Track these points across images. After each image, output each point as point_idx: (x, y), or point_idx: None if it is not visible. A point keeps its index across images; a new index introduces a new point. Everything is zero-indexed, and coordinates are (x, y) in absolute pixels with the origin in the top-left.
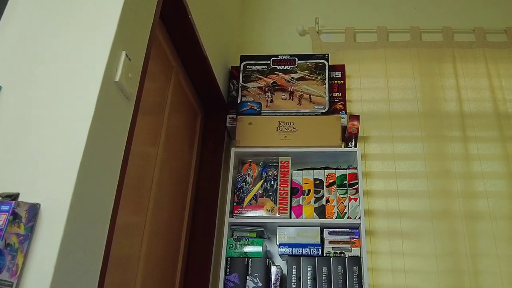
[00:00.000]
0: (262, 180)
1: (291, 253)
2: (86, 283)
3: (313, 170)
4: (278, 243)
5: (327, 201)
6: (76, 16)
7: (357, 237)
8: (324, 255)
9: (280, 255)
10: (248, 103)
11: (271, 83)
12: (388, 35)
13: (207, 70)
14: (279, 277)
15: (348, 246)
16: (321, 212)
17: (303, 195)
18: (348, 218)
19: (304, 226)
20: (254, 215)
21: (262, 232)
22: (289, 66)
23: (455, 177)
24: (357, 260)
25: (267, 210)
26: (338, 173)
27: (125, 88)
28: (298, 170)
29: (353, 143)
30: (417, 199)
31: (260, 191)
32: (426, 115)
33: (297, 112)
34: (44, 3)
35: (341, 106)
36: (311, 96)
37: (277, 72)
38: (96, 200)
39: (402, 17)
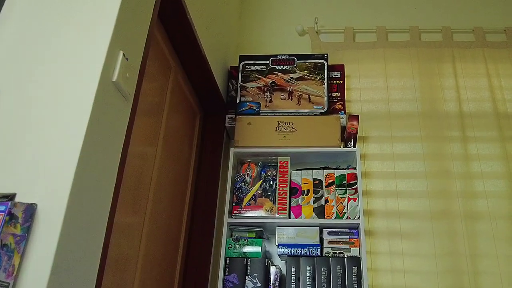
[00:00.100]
0: (261, 180)
1: (290, 253)
2: (84, 284)
3: (312, 170)
4: (277, 243)
5: (326, 201)
6: (74, 16)
7: (356, 237)
8: (323, 255)
9: (279, 255)
10: (247, 103)
11: (270, 83)
12: (387, 35)
13: (206, 70)
14: (278, 277)
15: (348, 246)
16: (320, 212)
17: (302, 195)
18: (347, 218)
19: (303, 226)
20: (253, 215)
21: (261, 232)
22: (288, 66)
23: (454, 177)
24: (356, 260)
25: (266, 210)
26: (337, 173)
27: (122, 88)
28: (297, 170)
29: (352, 143)
30: (417, 199)
31: (259, 191)
32: (425, 115)
33: (296, 112)
34: (42, 3)
35: (340, 106)
36: (310, 96)
37: (276, 72)
38: (94, 200)
39: (401, 17)
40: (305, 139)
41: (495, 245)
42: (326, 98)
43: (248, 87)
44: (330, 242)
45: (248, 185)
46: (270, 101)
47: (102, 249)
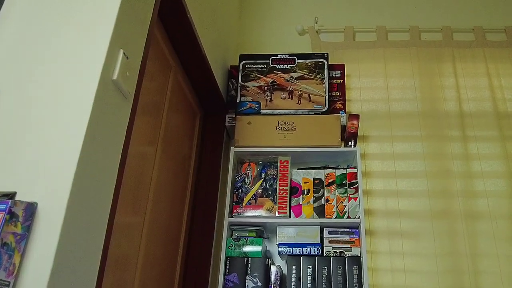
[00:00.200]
0: (262, 179)
1: (290, 253)
2: (84, 283)
3: (313, 169)
4: (277, 243)
5: (327, 200)
6: (74, 16)
7: (357, 236)
8: (324, 254)
9: (279, 254)
10: (247, 103)
11: (270, 82)
12: (387, 35)
13: (206, 69)
14: (278, 277)
15: (348, 245)
16: (320, 211)
17: (303, 194)
18: (348, 217)
19: (303, 225)
20: (254, 214)
21: (262, 231)
22: (288, 65)
23: (454, 176)
24: (357, 260)
25: (266, 209)
26: (338, 172)
27: (122, 86)
28: (297, 169)
29: (352, 142)
30: (417, 198)
31: (259, 191)
32: (425, 114)
33: (296, 112)
34: (42, 3)
35: (340, 105)
36: (310, 95)
37: (276, 71)
38: (94, 199)
39: (401, 16)
40: (305, 138)
41: (496, 244)
42: (326, 97)
43: (248, 87)
44: (330, 242)
45: (248, 185)
46: (270, 100)
47: (102, 249)
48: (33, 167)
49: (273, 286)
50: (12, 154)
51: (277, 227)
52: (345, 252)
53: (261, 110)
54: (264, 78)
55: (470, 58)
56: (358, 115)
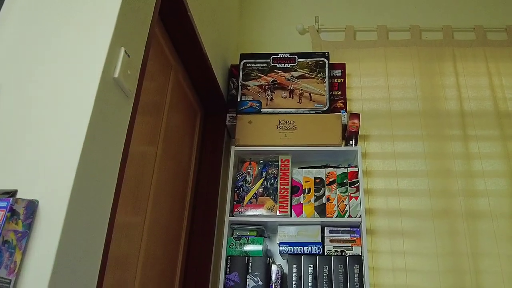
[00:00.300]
0: (262, 178)
1: (291, 252)
2: (85, 282)
3: (314, 168)
4: (278, 242)
5: (328, 199)
6: (74, 15)
7: (358, 235)
8: (325, 253)
9: (280, 254)
10: (248, 102)
11: (271, 82)
12: (388, 34)
13: (207, 68)
14: (279, 276)
15: (349, 244)
16: (321, 210)
17: (304, 193)
18: (349, 216)
19: (304, 224)
20: (254, 213)
21: (263, 230)
22: (289, 64)
23: (455, 175)
24: (358, 259)
25: (267, 208)
26: (339, 171)
27: (124, 85)
28: (298, 168)
29: (353, 141)
30: (418, 198)
31: (260, 190)
32: (426, 114)
33: (297, 111)
34: (42, 3)
35: (341, 104)
36: (311, 94)
37: (277, 71)
38: (95, 198)
39: (402, 15)
40: (306, 137)
41: (497, 244)
42: (327, 96)
43: (249, 86)
44: (331, 241)
45: (249, 184)
46: (271, 99)
47: (103, 248)
48: (34, 165)
49: (274, 285)
50: (12, 152)
51: (278, 226)
52: (346, 251)
53: (261, 109)
54: (264, 77)
55: (471, 57)
56: (359, 114)
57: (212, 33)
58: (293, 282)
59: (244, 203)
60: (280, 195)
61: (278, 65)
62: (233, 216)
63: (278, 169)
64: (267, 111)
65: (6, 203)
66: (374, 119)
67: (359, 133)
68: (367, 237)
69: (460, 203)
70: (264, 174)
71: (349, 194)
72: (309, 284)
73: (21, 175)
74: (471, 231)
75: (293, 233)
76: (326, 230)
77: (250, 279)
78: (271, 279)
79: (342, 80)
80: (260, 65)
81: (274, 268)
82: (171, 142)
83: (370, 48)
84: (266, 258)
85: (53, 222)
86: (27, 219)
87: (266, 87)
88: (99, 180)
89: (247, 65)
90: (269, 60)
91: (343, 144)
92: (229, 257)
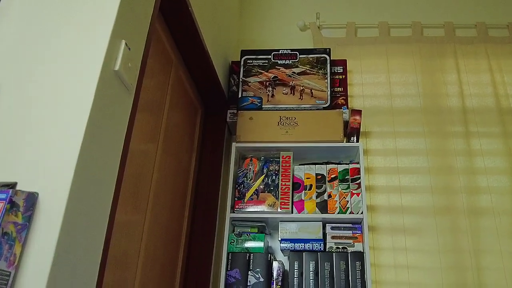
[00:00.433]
0: (264, 175)
1: (293, 249)
2: (85, 275)
3: (315, 165)
4: (279, 239)
5: (329, 196)
6: (75, 9)
7: (359, 232)
8: (327, 250)
9: (282, 250)
10: (249, 98)
11: (272, 78)
12: (389, 31)
13: (208, 64)
14: (281, 273)
15: (351, 241)
16: (323, 207)
17: (305, 190)
18: (350, 213)
19: (306, 221)
20: (256, 210)
21: (264, 227)
22: (290, 61)
23: (457, 172)
24: (359, 256)
25: (268, 205)
26: (340, 167)
27: (124, 77)
28: (299, 165)
29: (355, 138)
30: (420, 194)
31: (261, 186)
32: (428, 110)
33: (298, 107)
34: (42, 3)
35: (342, 101)
36: (312, 90)
37: (278, 67)
38: (95, 192)
39: (403, 12)
40: (307, 134)
41: (499, 240)
42: (328, 92)
43: (249, 82)
44: (333, 237)
45: (250, 180)
46: (272, 95)
47: (104, 243)
48: (34, 158)
49: (275, 282)
50: (12, 145)
51: (279, 222)
52: (348, 248)
53: (263, 106)
54: (265, 73)
55: (472, 54)
56: (361, 110)
57: (212, 29)
58: (295, 278)
59: (245, 200)
60: (281, 192)
61: (279, 61)
62: (234, 212)
63: (279, 166)
64: (268, 107)
65: (5, 194)
66: (376, 115)
67: (360, 130)
68: (368, 234)
69: (462, 200)
70: (265, 171)
71: (351, 190)
72: (311, 280)
73: (21, 169)
74: (473, 228)
75: (295, 230)
76: (328, 226)
77: (251, 275)
78: (273, 275)
79: (344, 76)
80: (261, 61)
81: (275, 264)
82: (171, 139)
83: (371, 45)
84: (267, 254)
85: (53, 216)
86: (27, 211)
87: (267, 83)
88: (99, 175)
89: (248, 61)
90: (270, 57)
91: (345, 141)
92: (230, 254)
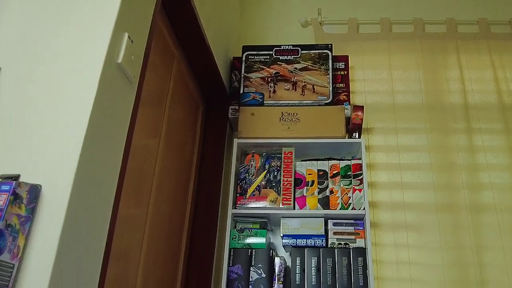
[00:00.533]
0: (265, 171)
1: (295, 244)
2: (89, 268)
3: (317, 161)
4: (281, 234)
5: (331, 192)
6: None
7: (361, 228)
8: (329, 246)
9: (283, 246)
10: (251, 94)
11: (274, 74)
12: (391, 27)
13: (209, 60)
14: (283, 269)
15: (353, 237)
16: (325, 203)
17: (307, 186)
18: (352, 209)
19: (308, 217)
20: (257, 206)
21: (266, 223)
22: (292, 56)
23: (459, 169)
24: (361, 251)
25: (270, 201)
26: (342, 163)
27: (127, 70)
28: (301, 161)
29: (357, 134)
30: (422, 191)
31: (263, 182)
32: (430, 107)
33: (300, 103)
34: (42, 3)
35: (344, 97)
36: (314, 86)
37: (280, 63)
38: (98, 185)
39: (405, 8)
40: (309, 130)
41: (501, 237)
42: (330, 88)
43: (251, 78)
44: (335, 233)
45: (252, 176)
46: (274, 91)
47: (107, 237)
48: (37, 150)
49: (277, 278)
50: (15, 137)
51: (281, 218)
52: (350, 244)
53: (264, 102)
54: (267, 69)
55: (474, 50)
56: (363, 106)
57: (213, 24)
58: (297, 274)
59: (247, 196)
60: (283, 188)
61: (281, 57)
62: (236, 208)
63: (281, 162)
64: (270, 103)
65: (9, 186)
66: (378, 112)
67: (362, 126)
68: (370, 230)
69: (464, 196)
70: (267, 167)
71: (353, 186)
72: (313, 276)
73: (24, 161)
74: (475, 225)
75: (297, 226)
76: (330, 222)
77: (254, 271)
78: (274, 271)
79: (346, 72)
80: (262, 57)
81: (277, 260)
82: (173, 134)
83: (373, 41)
84: (269, 250)
85: (56, 208)
86: (30, 203)
87: (269, 79)
88: (102, 168)
89: (249, 57)
90: (271, 52)
91: (347, 137)
92: (232, 250)
